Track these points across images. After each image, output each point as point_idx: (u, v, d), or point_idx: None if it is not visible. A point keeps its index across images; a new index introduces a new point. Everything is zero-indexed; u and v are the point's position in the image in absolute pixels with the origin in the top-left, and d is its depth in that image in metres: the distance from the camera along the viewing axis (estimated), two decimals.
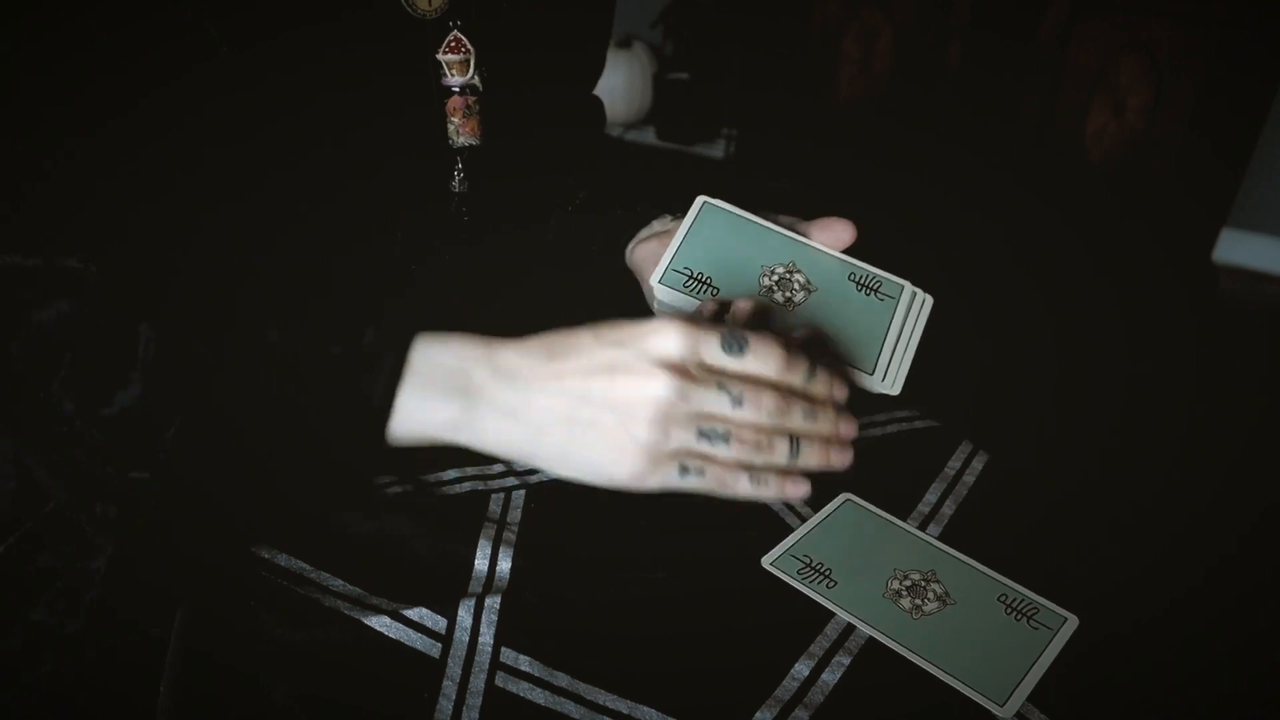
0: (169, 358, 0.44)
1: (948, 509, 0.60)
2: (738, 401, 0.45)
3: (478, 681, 0.46)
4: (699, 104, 2.61)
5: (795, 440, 0.46)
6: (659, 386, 0.44)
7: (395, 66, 0.56)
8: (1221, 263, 2.35)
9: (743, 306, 0.53)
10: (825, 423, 0.47)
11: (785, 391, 0.46)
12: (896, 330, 0.56)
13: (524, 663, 0.47)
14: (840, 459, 0.48)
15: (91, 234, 0.48)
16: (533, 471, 0.59)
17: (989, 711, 0.47)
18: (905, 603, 0.52)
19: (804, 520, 0.58)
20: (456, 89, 0.58)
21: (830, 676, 0.48)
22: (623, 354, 0.45)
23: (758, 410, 0.45)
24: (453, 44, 0.58)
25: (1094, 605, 0.53)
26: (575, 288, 0.71)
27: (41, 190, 0.47)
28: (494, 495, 0.57)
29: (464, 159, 0.60)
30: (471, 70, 0.59)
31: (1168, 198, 2.01)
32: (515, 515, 0.55)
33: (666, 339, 0.44)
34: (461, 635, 0.48)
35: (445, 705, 0.46)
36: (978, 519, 0.59)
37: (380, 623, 0.48)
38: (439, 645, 0.48)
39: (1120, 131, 2.01)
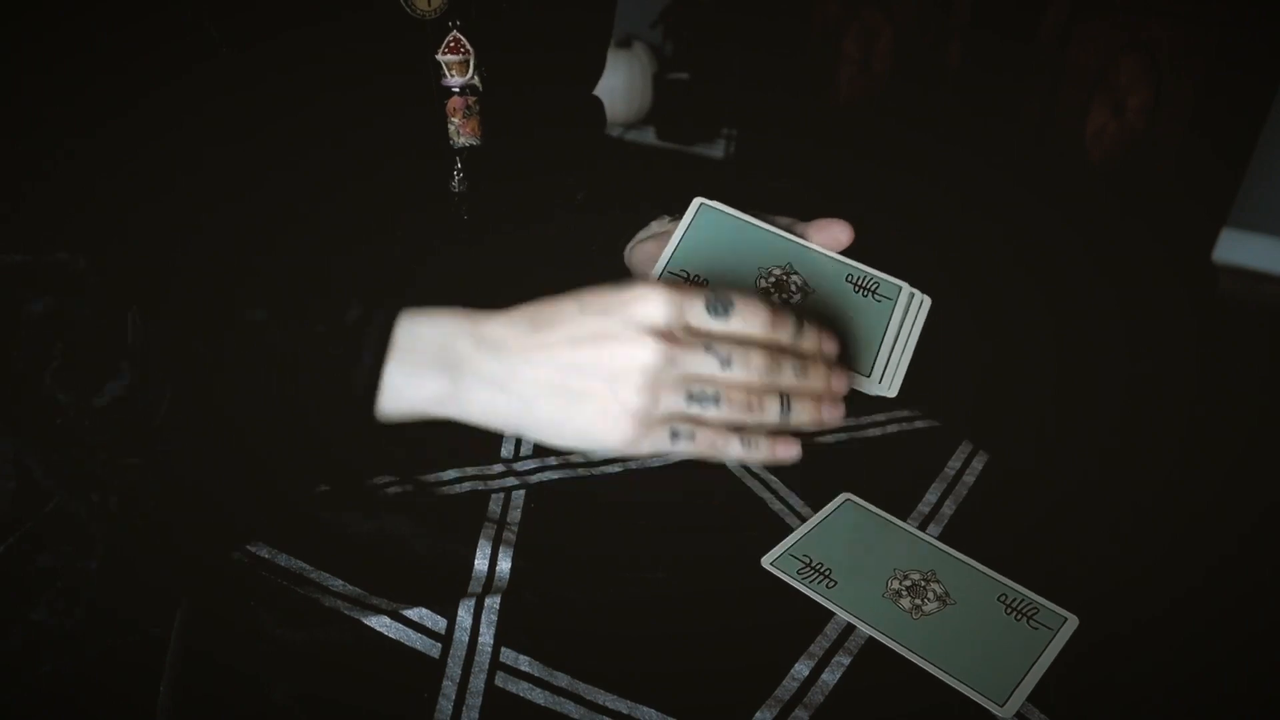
0: (159, 346, 0.44)
1: (948, 509, 0.60)
2: (726, 362, 0.45)
3: (477, 681, 0.46)
4: (699, 104, 2.61)
5: (786, 399, 0.46)
6: (647, 353, 0.44)
7: (395, 67, 0.56)
8: (1221, 263, 2.35)
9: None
10: (817, 378, 0.47)
11: (774, 350, 0.46)
12: (894, 332, 0.56)
13: (524, 663, 0.47)
14: (832, 414, 0.48)
15: (91, 233, 0.48)
16: (533, 471, 0.59)
17: (989, 711, 0.47)
18: (905, 603, 0.52)
19: (804, 520, 0.58)
20: (456, 89, 0.58)
21: (830, 676, 0.48)
22: (609, 322, 0.45)
23: (747, 369, 0.45)
24: (452, 44, 0.58)
25: (1094, 605, 0.53)
26: (575, 288, 0.71)
27: (41, 190, 0.48)
28: (494, 495, 0.57)
29: (464, 159, 0.60)
30: (471, 70, 0.59)
31: (1168, 198, 2.01)
32: (515, 515, 0.55)
33: (652, 305, 0.44)
34: (461, 635, 0.48)
35: (445, 705, 0.46)
36: (978, 519, 0.59)
37: (380, 623, 0.48)
38: (439, 645, 0.48)
39: (1120, 131, 2.01)
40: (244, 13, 0.49)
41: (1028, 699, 0.47)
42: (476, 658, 0.47)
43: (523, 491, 0.57)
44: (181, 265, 0.50)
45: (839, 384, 0.48)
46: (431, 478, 0.57)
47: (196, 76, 0.50)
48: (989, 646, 0.50)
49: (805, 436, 0.48)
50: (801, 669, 0.48)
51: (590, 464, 0.60)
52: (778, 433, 0.47)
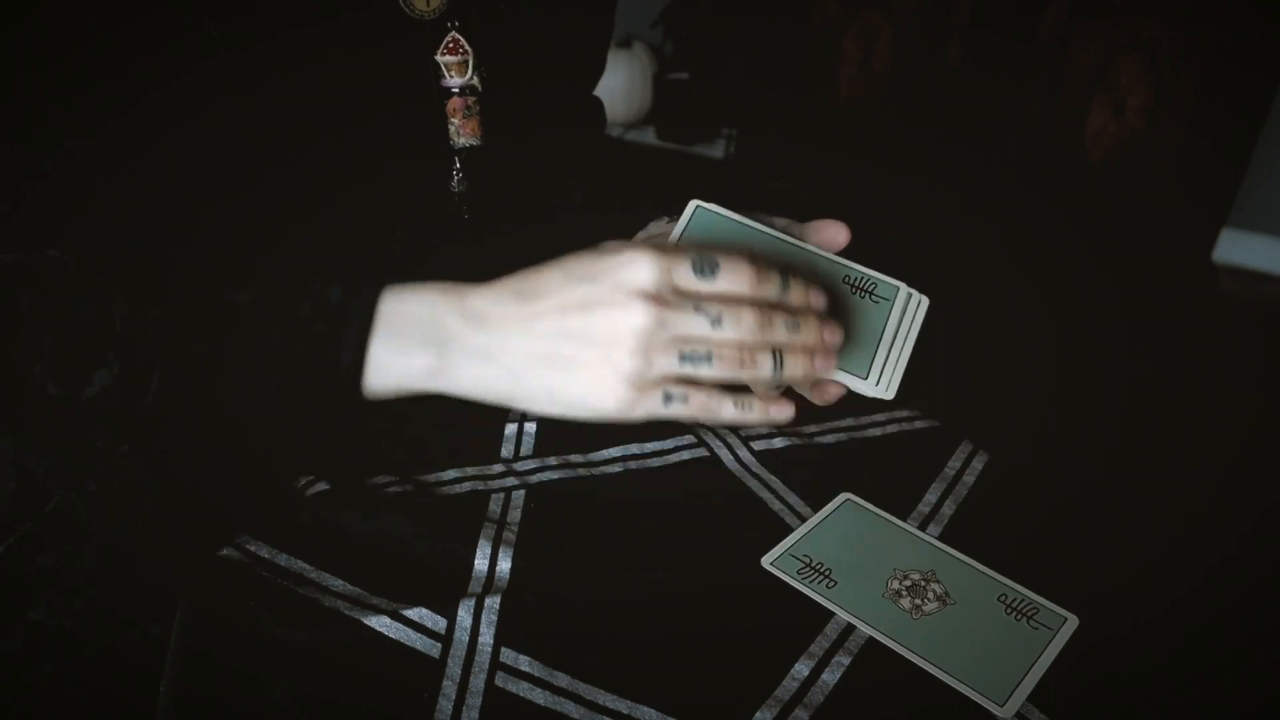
0: (146, 332, 0.44)
1: (948, 509, 0.60)
2: (716, 321, 0.45)
3: (477, 681, 0.47)
4: (699, 104, 2.61)
5: (779, 354, 0.46)
6: (637, 316, 0.44)
7: (395, 67, 0.56)
8: (1221, 263, 2.35)
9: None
10: (809, 332, 0.47)
11: (765, 307, 0.46)
12: (892, 333, 0.55)
13: (524, 663, 0.47)
14: (824, 365, 0.48)
15: (91, 233, 0.48)
16: (533, 471, 0.59)
17: (989, 711, 0.47)
18: (905, 603, 0.52)
19: (804, 520, 0.58)
20: (456, 90, 0.58)
21: (830, 676, 0.48)
22: (596, 288, 0.45)
23: (738, 326, 0.45)
24: (451, 45, 0.58)
25: (1094, 605, 0.53)
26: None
27: (41, 190, 0.48)
28: (494, 495, 0.57)
29: (464, 159, 0.60)
30: (470, 71, 0.59)
31: (1168, 198, 2.01)
32: (515, 515, 0.55)
33: (639, 269, 0.44)
34: (461, 635, 0.48)
35: (445, 705, 0.46)
36: (978, 519, 0.59)
37: (380, 623, 0.48)
38: (439, 645, 0.48)
39: (1120, 131, 2.01)
40: (244, 13, 0.50)
41: (1028, 699, 0.47)
42: (476, 658, 0.47)
43: (523, 491, 0.57)
44: (182, 265, 0.50)
45: (831, 336, 0.48)
46: (431, 478, 0.57)
47: (196, 76, 0.50)
48: (989, 646, 0.50)
49: (801, 402, 0.48)
50: (801, 669, 0.48)
51: (590, 464, 0.60)
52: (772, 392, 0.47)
